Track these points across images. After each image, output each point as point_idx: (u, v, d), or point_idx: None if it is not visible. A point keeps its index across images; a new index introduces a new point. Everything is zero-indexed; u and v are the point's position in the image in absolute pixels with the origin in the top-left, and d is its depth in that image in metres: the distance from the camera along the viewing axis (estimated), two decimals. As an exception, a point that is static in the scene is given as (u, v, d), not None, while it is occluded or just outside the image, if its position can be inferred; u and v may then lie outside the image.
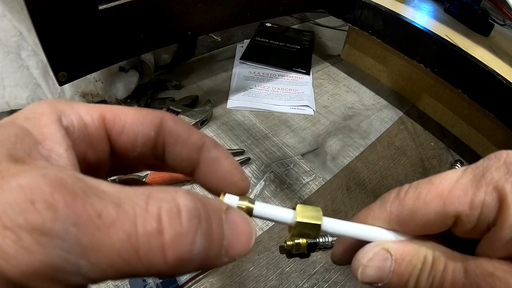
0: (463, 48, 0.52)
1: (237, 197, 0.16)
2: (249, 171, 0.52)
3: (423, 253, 0.15)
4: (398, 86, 0.70)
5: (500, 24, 0.68)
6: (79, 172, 0.12)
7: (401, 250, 0.15)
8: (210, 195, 0.16)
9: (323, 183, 0.52)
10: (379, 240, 0.16)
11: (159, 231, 0.10)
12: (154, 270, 0.10)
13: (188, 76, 0.68)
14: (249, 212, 0.16)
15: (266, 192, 0.49)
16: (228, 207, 0.13)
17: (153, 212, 0.10)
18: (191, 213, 0.11)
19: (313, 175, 0.53)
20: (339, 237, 0.19)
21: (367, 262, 0.16)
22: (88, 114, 0.14)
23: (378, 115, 0.65)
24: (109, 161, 0.15)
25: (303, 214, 0.16)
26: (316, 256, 0.43)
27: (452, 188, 0.15)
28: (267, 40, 0.79)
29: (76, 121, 0.14)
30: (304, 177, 0.52)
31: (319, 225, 0.16)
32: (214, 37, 0.81)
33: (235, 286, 0.40)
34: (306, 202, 0.49)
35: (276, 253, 0.43)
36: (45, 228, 0.09)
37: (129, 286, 0.38)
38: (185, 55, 0.73)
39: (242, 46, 0.78)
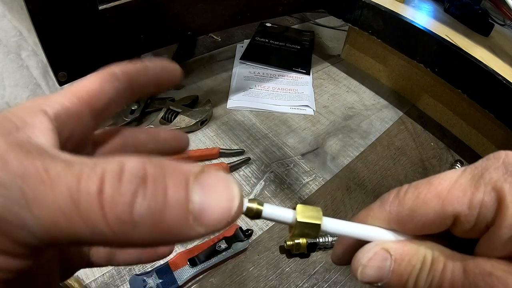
0: (463, 48, 0.53)
1: (246, 198, 0.16)
2: (249, 171, 0.52)
3: (422, 253, 0.15)
4: (398, 86, 0.70)
5: (500, 24, 0.68)
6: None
7: (400, 250, 0.16)
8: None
9: (323, 183, 0.52)
10: (379, 240, 0.16)
11: (100, 190, 0.10)
12: (98, 233, 0.10)
13: (188, 76, 0.68)
14: (258, 214, 0.16)
15: (266, 192, 0.49)
16: (203, 170, 0.11)
17: (97, 172, 0.10)
18: (132, 173, 0.10)
19: (313, 175, 0.53)
20: (339, 238, 0.19)
21: (367, 262, 0.16)
22: (66, 98, 0.14)
23: (378, 115, 0.65)
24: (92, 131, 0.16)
25: (304, 214, 0.16)
26: (316, 256, 0.43)
27: (451, 188, 0.15)
28: (267, 40, 0.79)
29: (59, 107, 0.14)
30: (304, 177, 0.52)
31: (319, 225, 0.16)
32: (214, 37, 0.81)
33: (235, 286, 0.40)
34: (306, 202, 0.49)
35: (276, 253, 0.43)
36: None
37: (129, 286, 0.38)
38: (185, 55, 0.73)
39: (242, 46, 0.78)
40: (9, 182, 0.10)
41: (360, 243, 0.17)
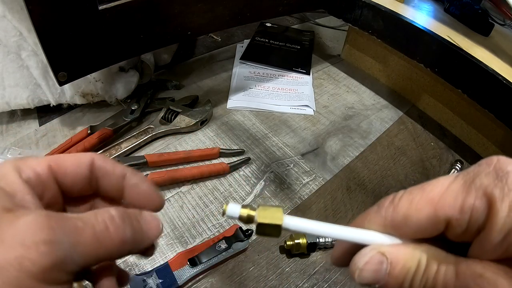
0: (463, 48, 0.52)
1: (239, 206, 0.18)
2: (249, 171, 0.52)
3: (417, 256, 0.16)
4: (398, 86, 0.70)
5: (500, 24, 0.68)
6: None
7: (396, 253, 0.16)
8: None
9: (323, 183, 0.52)
10: (375, 243, 0.17)
11: (106, 228, 0.18)
12: (111, 251, 0.18)
13: (188, 76, 0.68)
14: (251, 219, 0.18)
15: (266, 192, 0.49)
16: (142, 212, 0.20)
17: (100, 219, 0.18)
18: (120, 217, 0.18)
19: (313, 175, 0.53)
20: (337, 241, 0.20)
21: (364, 265, 0.16)
22: (38, 166, 0.19)
23: (378, 115, 0.65)
24: (61, 196, 0.21)
25: (264, 215, 0.18)
26: (316, 256, 0.43)
27: (443, 194, 0.15)
28: (267, 40, 0.79)
29: (31, 173, 0.19)
30: (304, 177, 0.52)
31: (279, 226, 0.17)
32: (214, 37, 0.81)
33: (235, 286, 0.40)
34: (306, 202, 0.49)
35: (276, 253, 0.43)
36: (51, 240, 0.15)
37: (129, 286, 0.38)
38: (185, 55, 0.73)
39: (242, 46, 0.78)
40: (61, 240, 0.16)
41: (358, 247, 0.17)
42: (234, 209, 0.18)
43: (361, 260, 0.17)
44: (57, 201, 0.20)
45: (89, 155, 0.21)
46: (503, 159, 0.15)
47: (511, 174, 0.14)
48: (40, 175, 0.19)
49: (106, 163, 0.21)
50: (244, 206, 0.18)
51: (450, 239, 0.16)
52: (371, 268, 0.16)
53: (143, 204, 0.22)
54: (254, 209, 0.18)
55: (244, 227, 0.44)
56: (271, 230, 0.17)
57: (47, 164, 0.19)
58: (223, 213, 0.18)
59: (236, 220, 0.19)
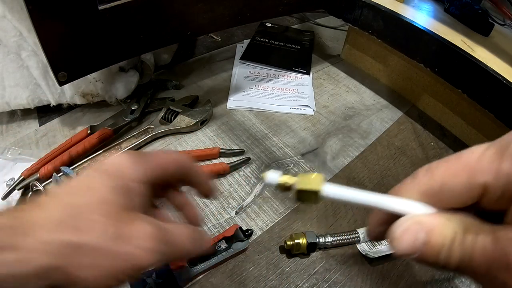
0: (463, 48, 0.52)
1: (278, 173, 0.19)
2: (249, 171, 0.52)
3: (454, 224, 0.16)
4: (398, 86, 0.70)
5: (500, 24, 0.68)
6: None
7: (432, 222, 0.16)
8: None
9: (323, 183, 0.52)
10: (411, 213, 0.17)
11: (186, 243, 0.24)
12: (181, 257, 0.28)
13: (188, 76, 0.68)
14: (289, 187, 0.18)
15: (266, 192, 0.49)
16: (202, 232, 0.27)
17: (185, 235, 0.25)
18: (193, 233, 0.26)
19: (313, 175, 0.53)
20: (373, 213, 0.20)
21: (401, 235, 0.16)
22: (145, 174, 0.24)
23: (378, 115, 0.65)
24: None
25: (302, 181, 0.18)
26: (316, 256, 0.43)
27: (479, 161, 0.15)
28: (267, 40, 0.79)
29: (150, 172, 0.24)
30: (304, 177, 0.52)
31: (318, 192, 0.18)
32: (214, 37, 0.81)
33: (235, 286, 0.40)
34: (306, 202, 0.49)
35: (276, 253, 0.43)
36: (156, 251, 0.22)
37: (129, 286, 0.38)
38: (185, 55, 0.73)
39: (242, 46, 0.78)
40: (163, 250, 0.22)
41: (393, 217, 0.17)
42: (274, 176, 0.18)
43: (399, 229, 0.17)
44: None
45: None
46: None
47: None
48: (154, 176, 0.24)
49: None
50: (283, 174, 0.18)
51: (485, 207, 0.16)
52: (408, 238, 0.16)
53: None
54: (293, 176, 0.18)
55: (244, 227, 0.44)
56: (309, 197, 0.18)
57: (158, 171, 0.24)
58: (262, 181, 0.18)
59: (274, 188, 0.19)
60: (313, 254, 0.43)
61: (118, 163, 0.22)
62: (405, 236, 0.16)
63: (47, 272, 0.18)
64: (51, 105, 0.56)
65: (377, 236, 0.20)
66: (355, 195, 0.18)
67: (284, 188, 0.18)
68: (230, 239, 0.42)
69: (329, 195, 0.18)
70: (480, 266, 0.15)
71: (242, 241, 0.42)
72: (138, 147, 0.53)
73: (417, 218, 0.17)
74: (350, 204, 0.18)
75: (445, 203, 0.17)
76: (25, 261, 0.17)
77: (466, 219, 0.16)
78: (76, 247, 0.19)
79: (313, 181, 0.18)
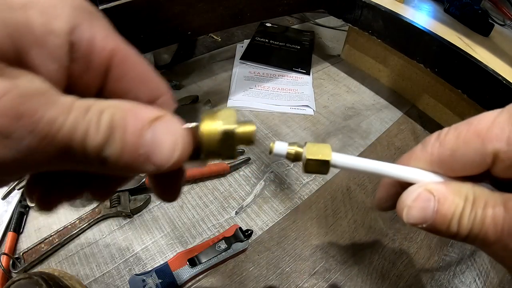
0: (463, 48, 0.52)
1: (286, 143, 0.17)
2: (249, 171, 0.52)
3: (464, 192, 0.16)
4: (398, 86, 0.70)
5: (500, 24, 0.68)
6: (57, 90, 0.12)
7: (443, 191, 0.16)
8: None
9: (323, 183, 0.52)
10: (421, 181, 0.17)
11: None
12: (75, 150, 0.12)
13: (188, 76, 0.68)
14: (298, 156, 0.17)
15: (266, 192, 0.49)
16: (158, 119, 0.13)
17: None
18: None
19: (313, 175, 0.53)
20: (382, 182, 0.20)
21: (411, 203, 0.16)
22: (102, 41, 0.14)
23: (378, 115, 0.65)
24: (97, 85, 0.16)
25: (311, 151, 0.17)
26: (316, 256, 0.43)
27: (490, 127, 0.15)
28: (267, 40, 0.79)
29: (86, 42, 0.14)
30: (304, 177, 0.52)
31: (328, 162, 0.17)
32: (214, 37, 0.81)
33: (235, 286, 0.40)
34: (306, 202, 0.49)
35: (276, 253, 0.43)
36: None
37: (129, 286, 0.38)
38: (185, 55, 0.73)
39: (242, 46, 0.78)
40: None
41: (402, 187, 0.17)
42: (282, 147, 0.17)
43: (409, 197, 0.16)
44: (91, 88, 0.16)
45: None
46: None
47: None
48: (93, 53, 0.14)
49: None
50: (291, 144, 0.17)
51: (497, 175, 0.16)
52: (419, 206, 0.16)
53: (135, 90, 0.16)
54: (301, 146, 0.17)
55: (244, 227, 0.44)
56: (319, 167, 0.17)
57: (112, 49, 0.15)
58: (270, 152, 0.18)
59: (283, 159, 0.18)
60: (313, 254, 0.43)
61: None
62: (415, 203, 0.16)
63: None
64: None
65: (384, 206, 0.20)
66: (365, 164, 0.18)
67: (294, 157, 0.17)
68: (230, 239, 0.42)
69: (338, 164, 0.17)
70: (491, 235, 0.14)
71: (242, 241, 0.42)
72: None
73: (428, 186, 0.16)
74: (360, 173, 0.18)
75: (456, 171, 0.16)
76: None
77: (477, 187, 0.16)
78: None
79: (322, 150, 0.17)
